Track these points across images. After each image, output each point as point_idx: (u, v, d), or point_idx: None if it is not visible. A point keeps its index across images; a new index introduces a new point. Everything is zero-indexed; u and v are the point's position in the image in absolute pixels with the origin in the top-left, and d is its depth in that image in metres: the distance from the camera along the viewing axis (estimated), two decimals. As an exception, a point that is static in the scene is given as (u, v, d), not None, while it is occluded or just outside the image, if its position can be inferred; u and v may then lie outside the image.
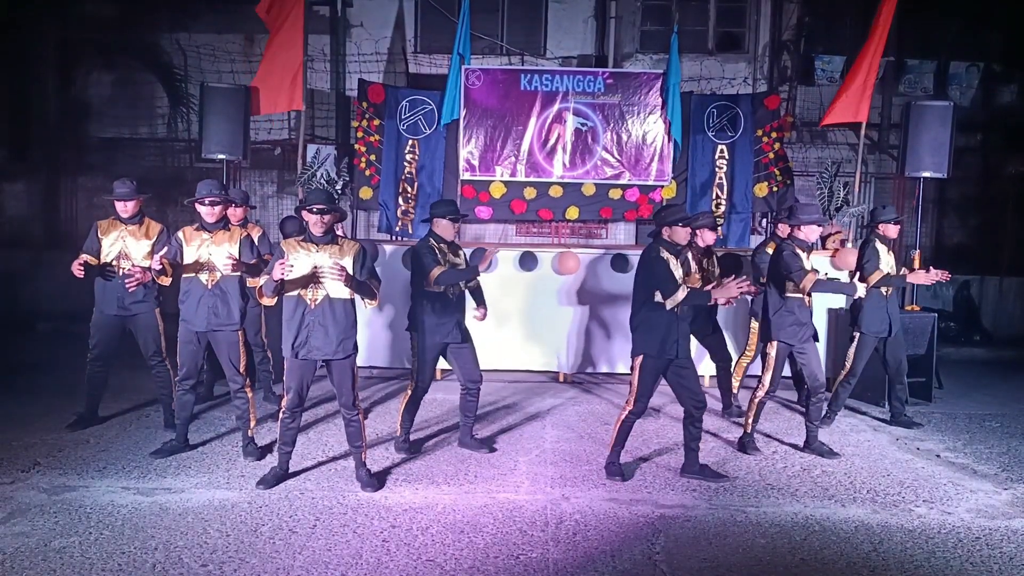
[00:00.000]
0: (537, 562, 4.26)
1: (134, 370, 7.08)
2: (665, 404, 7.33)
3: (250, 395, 5.77)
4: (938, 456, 6.21)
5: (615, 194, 10.24)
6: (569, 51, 11.78)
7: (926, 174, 8.01)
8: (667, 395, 7.80)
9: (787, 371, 6.84)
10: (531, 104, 10.03)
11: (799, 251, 5.84)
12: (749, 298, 7.13)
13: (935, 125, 7.93)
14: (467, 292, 6.07)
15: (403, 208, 10.18)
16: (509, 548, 4.41)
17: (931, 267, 6.42)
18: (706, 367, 7.77)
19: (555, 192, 10.16)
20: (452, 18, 10.94)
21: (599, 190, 10.22)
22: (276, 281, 4.85)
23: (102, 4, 11.67)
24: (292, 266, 4.88)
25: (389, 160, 10.11)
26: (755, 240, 10.81)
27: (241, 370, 5.71)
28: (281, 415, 5.18)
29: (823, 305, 7.95)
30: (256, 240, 6.34)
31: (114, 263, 6.10)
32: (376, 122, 10.10)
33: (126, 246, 6.12)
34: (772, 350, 6.00)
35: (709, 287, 5.48)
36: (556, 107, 10.04)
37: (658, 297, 5.24)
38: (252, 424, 5.79)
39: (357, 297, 5.12)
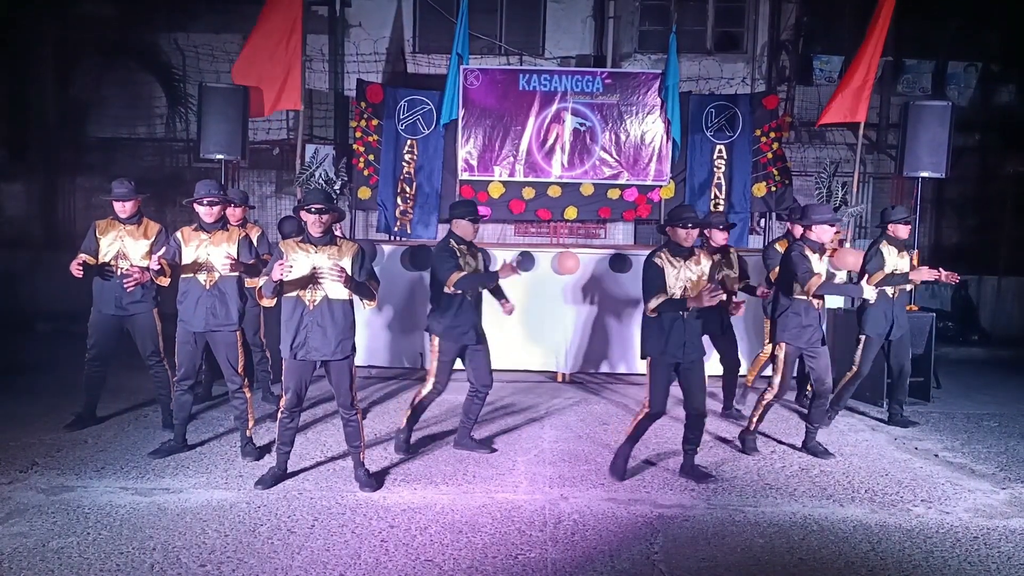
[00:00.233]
0: (536, 562, 4.25)
1: (132, 370, 7.07)
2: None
3: (248, 395, 5.77)
4: (936, 456, 6.22)
5: (613, 194, 10.26)
6: (568, 51, 11.78)
7: (924, 174, 8.01)
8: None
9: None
10: (529, 104, 10.04)
11: (808, 252, 5.78)
12: (757, 298, 7.12)
13: (933, 125, 7.94)
14: (485, 292, 6.02)
15: (401, 208, 10.18)
16: (508, 548, 4.41)
17: (931, 267, 6.42)
18: (714, 367, 7.72)
19: (554, 192, 10.17)
20: (451, 18, 10.95)
21: (597, 190, 10.23)
22: (275, 282, 4.85)
23: (101, 4, 11.66)
24: (291, 267, 4.88)
25: (387, 160, 10.12)
26: (753, 240, 10.84)
27: (239, 370, 5.70)
28: (279, 415, 5.18)
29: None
30: (255, 240, 6.35)
31: (112, 263, 6.09)
32: (374, 122, 10.10)
33: (124, 246, 6.11)
34: (780, 352, 5.93)
35: (691, 294, 5.27)
36: (555, 107, 10.05)
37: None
38: (250, 424, 5.79)
39: (356, 298, 5.12)
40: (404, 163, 10.19)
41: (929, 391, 7.84)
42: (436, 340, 5.81)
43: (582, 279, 8.31)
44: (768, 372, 6.25)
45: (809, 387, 7.42)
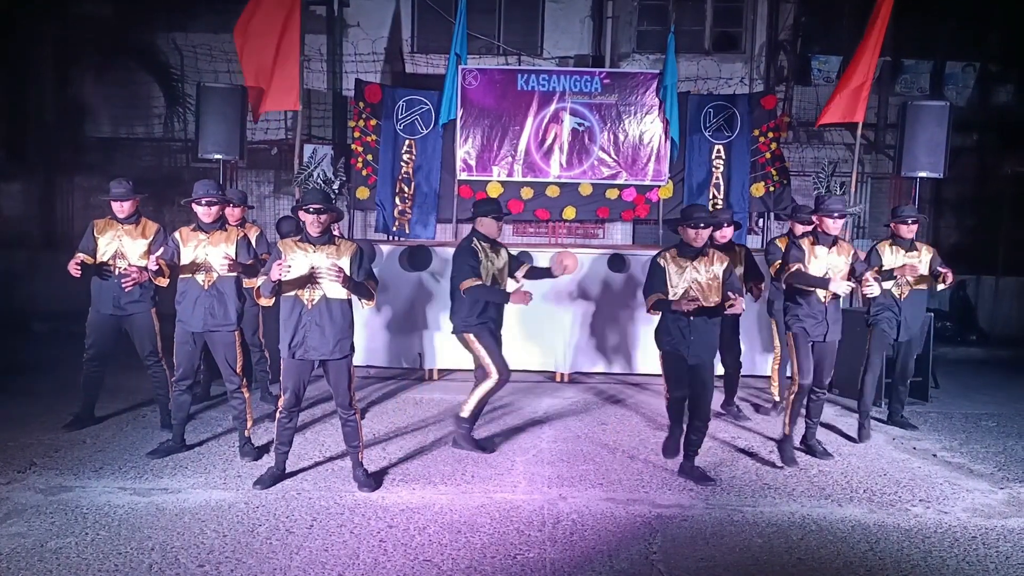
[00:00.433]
0: (534, 562, 4.26)
1: (130, 370, 7.06)
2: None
3: (247, 395, 5.77)
4: (934, 456, 6.22)
5: (612, 194, 10.26)
6: (566, 51, 11.78)
7: (922, 174, 8.02)
8: (662, 395, 7.81)
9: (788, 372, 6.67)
10: (528, 104, 10.04)
11: (808, 245, 5.69)
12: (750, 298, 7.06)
13: (931, 125, 7.94)
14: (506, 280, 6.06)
15: (400, 208, 10.18)
16: (506, 548, 4.41)
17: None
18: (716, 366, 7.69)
19: (552, 192, 10.17)
20: (449, 18, 10.94)
21: (596, 190, 10.23)
22: (274, 282, 4.85)
23: (99, 4, 11.65)
24: (290, 267, 4.88)
25: (386, 160, 10.12)
26: (752, 240, 10.84)
27: (238, 370, 5.70)
28: (278, 415, 5.18)
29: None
30: (253, 240, 6.34)
31: (110, 263, 6.08)
32: (373, 122, 10.10)
33: (122, 246, 6.10)
34: (790, 340, 5.85)
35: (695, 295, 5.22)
36: (553, 107, 10.05)
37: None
38: (249, 424, 5.79)
39: (354, 297, 5.12)
40: (402, 163, 10.19)
41: (927, 391, 7.84)
42: (471, 336, 5.81)
43: (580, 279, 8.31)
44: (789, 373, 6.16)
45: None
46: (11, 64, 11.71)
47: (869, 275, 5.63)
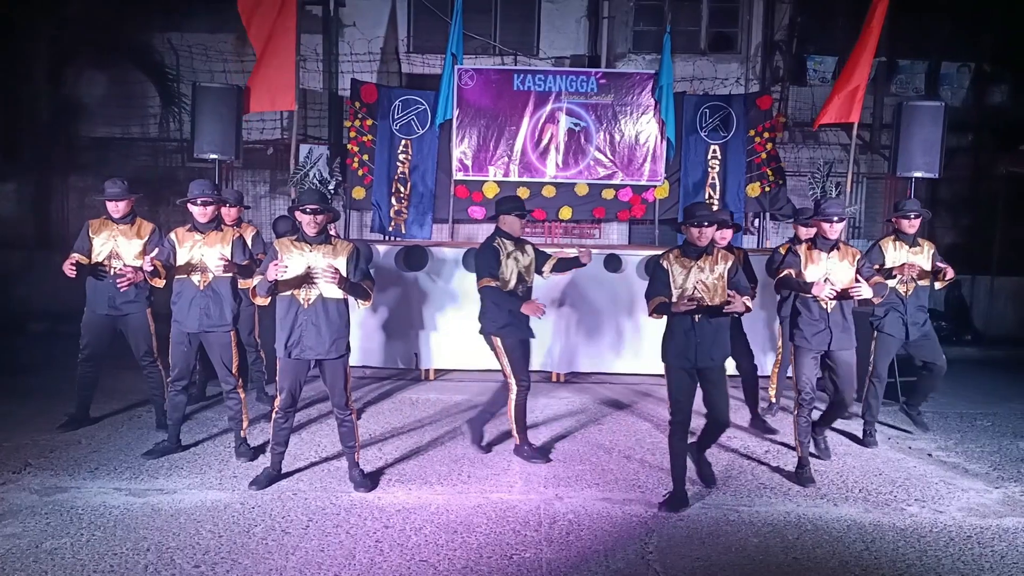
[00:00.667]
0: (530, 562, 4.26)
1: (126, 371, 7.05)
2: (661, 405, 7.33)
3: (242, 396, 5.76)
4: (930, 455, 6.24)
5: (608, 194, 10.27)
6: (562, 51, 11.78)
7: (917, 174, 8.03)
8: (657, 396, 7.82)
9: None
10: (524, 104, 10.04)
11: (806, 252, 5.55)
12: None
13: (926, 125, 7.95)
14: (530, 286, 6.00)
15: (396, 208, 10.17)
16: (502, 548, 4.41)
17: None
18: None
19: (548, 192, 10.17)
20: (445, 18, 10.94)
21: (592, 190, 10.24)
22: (271, 281, 4.84)
23: (94, 3, 11.61)
24: (287, 267, 4.87)
25: (382, 160, 10.12)
26: (747, 241, 10.86)
27: (233, 371, 5.69)
28: (274, 415, 5.18)
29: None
30: (249, 240, 6.34)
31: (105, 263, 6.07)
32: (369, 122, 10.09)
33: (117, 246, 6.09)
34: (792, 352, 5.70)
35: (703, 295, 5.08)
36: (549, 107, 10.05)
37: None
38: (244, 425, 5.78)
39: (351, 297, 5.12)
40: (398, 163, 10.19)
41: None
42: (498, 340, 5.77)
43: (576, 279, 8.31)
44: (790, 374, 6.06)
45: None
46: (6, 63, 11.67)
47: (861, 279, 5.37)
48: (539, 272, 6.04)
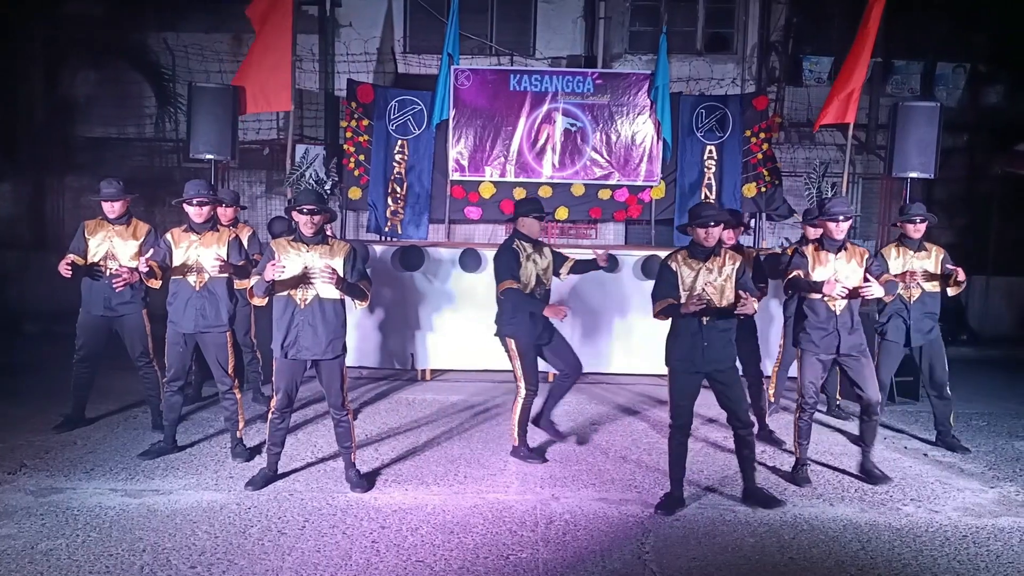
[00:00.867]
0: (527, 562, 4.26)
1: (121, 371, 7.03)
2: (657, 406, 7.33)
3: (238, 396, 5.76)
4: (925, 455, 6.25)
5: (604, 194, 10.26)
6: (558, 51, 11.78)
7: (913, 174, 8.04)
8: (654, 396, 7.83)
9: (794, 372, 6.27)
10: (520, 104, 10.03)
11: (809, 252, 5.49)
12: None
13: (922, 125, 7.96)
14: (550, 288, 6.00)
15: (392, 208, 10.16)
16: (499, 548, 4.41)
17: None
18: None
19: (544, 192, 10.16)
20: (441, 18, 10.93)
21: (588, 190, 10.23)
22: (268, 282, 4.84)
23: (90, 3, 11.58)
24: (284, 267, 4.87)
25: (378, 160, 10.09)
26: (743, 241, 10.84)
27: (229, 371, 5.69)
28: (270, 416, 5.17)
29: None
30: (245, 241, 6.33)
31: (101, 263, 6.06)
32: (365, 122, 10.07)
33: (113, 246, 6.08)
34: (798, 355, 5.60)
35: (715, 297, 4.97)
36: (545, 107, 10.04)
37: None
38: (241, 425, 5.78)
39: (347, 298, 5.11)
40: (395, 163, 10.17)
41: (918, 390, 7.85)
42: (512, 342, 5.75)
43: (572, 279, 8.30)
44: (791, 374, 6.00)
45: (839, 396, 7.30)
46: (2, 63, 11.63)
47: (871, 278, 5.28)
48: (556, 274, 6.02)
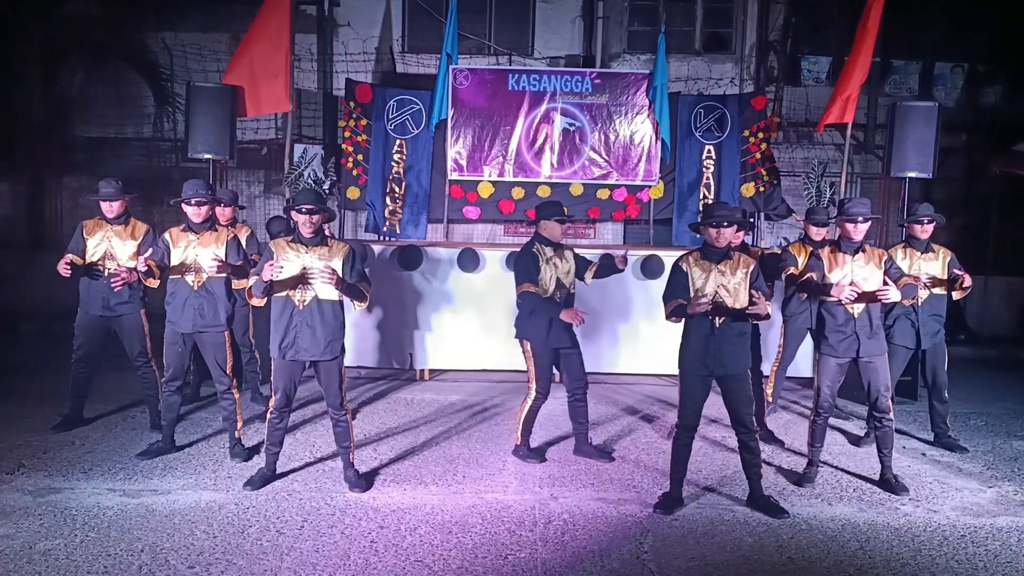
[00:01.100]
0: (525, 562, 4.26)
1: (120, 371, 7.03)
2: (656, 405, 7.32)
3: (237, 396, 5.75)
4: (923, 455, 6.25)
5: (603, 194, 10.27)
6: (557, 51, 11.79)
7: (911, 174, 8.04)
8: (653, 396, 7.83)
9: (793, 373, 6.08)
10: (519, 104, 10.03)
11: (825, 254, 5.38)
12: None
13: (920, 125, 7.96)
14: (573, 290, 5.92)
15: (390, 208, 10.16)
16: (497, 548, 4.41)
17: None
18: None
19: (543, 192, 10.16)
20: (440, 18, 10.93)
21: (587, 190, 10.24)
22: (266, 282, 4.83)
23: (88, 3, 11.58)
24: (282, 268, 4.86)
25: (376, 160, 10.10)
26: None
27: (228, 371, 5.68)
28: (269, 416, 5.17)
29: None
30: (244, 240, 6.33)
31: (99, 263, 6.06)
32: (363, 122, 10.07)
33: (111, 246, 6.08)
34: (816, 360, 5.52)
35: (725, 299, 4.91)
36: (544, 107, 10.05)
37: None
38: (239, 425, 5.77)
39: (346, 298, 5.11)
40: (393, 163, 10.17)
41: (916, 390, 7.86)
42: (528, 344, 5.74)
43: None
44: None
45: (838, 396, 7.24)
46: (0, 63, 11.63)
47: (889, 281, 5.14)
48: (581, 278, 5.98)
